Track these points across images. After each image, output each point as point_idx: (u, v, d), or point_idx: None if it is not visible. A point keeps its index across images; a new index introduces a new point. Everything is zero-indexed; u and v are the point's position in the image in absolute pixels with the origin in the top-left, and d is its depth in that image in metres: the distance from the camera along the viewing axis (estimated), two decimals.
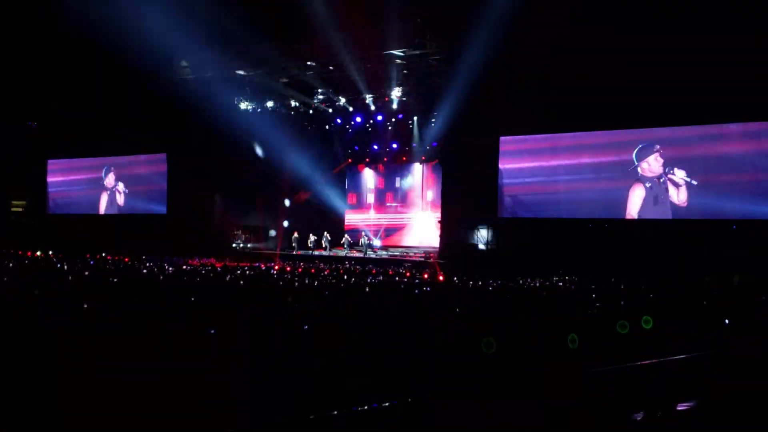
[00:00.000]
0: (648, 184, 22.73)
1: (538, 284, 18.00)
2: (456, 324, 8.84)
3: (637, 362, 6.82)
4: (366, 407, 4.87)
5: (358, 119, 33.13)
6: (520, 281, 18.78)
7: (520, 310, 10.59)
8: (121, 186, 36.46)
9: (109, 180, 37.11)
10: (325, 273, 20.31)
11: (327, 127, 34.86)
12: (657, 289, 16.21)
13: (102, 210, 37.13)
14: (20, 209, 40.48)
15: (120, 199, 36.48)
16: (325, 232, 33.40)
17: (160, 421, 5.05)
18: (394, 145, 34.92)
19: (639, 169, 22.87)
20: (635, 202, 22.90)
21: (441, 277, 20.07)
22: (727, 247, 20.56)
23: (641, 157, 22.79)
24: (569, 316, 9.82)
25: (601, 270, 20.74)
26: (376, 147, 35.81)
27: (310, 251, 32.29)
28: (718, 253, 20.30)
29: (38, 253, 27.05)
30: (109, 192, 36.99)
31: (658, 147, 22.57)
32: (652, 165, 22.63)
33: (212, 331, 7.47)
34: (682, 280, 18.52)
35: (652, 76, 21.09)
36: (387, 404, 4.93)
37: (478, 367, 6.36)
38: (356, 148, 36.66)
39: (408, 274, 21.51)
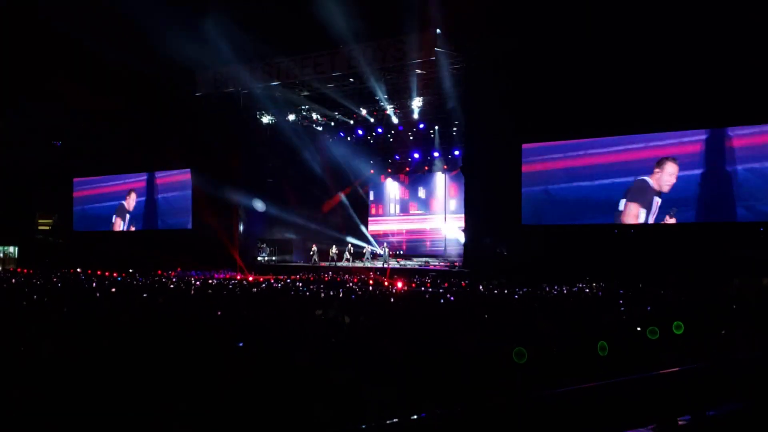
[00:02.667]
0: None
1: (565, 291, 17.88)
2: (483, 332, 8.80)
3: (666, 369, 6.75)
4: (396, 420, 4.85)
5: (380, 130, 33.20)
6: (546, 288, 18.66)
7: (548, 317, 10.51)
8: (146, 202, 36.74)
9: (135, 196, 37.41)
10: (350, 285, 20.32)
11: (349, 138, 34.98)
12: (686, 293, 16.06)
13: (128, 226, 37.43)
14: (47, 227, 40.92)
15: (145, 215, 36.75)
16: (349, 245, 33.53)
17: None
18: (416, 155, 34.94)
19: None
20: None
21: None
22: (755, 249, 20.32)
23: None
24: (598, 323, 9.75)
25: (627, 276, 20.58)
26: (397, 157, 35.86)
27: (333, 263, 32.37)
28: (746, 256, 20.06)
29: (65, 269, 27.33)
30: (134, 208, 37.27)
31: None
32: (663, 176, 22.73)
33: (240, 345, 7.50)
34: (710, 284, 18.32)
35: (676, 80, 20.96)
36: (415, 417, 4.91)
37: (507, 376, 6.32)
38: (378, 158, 36.78)
39: (429, 284, 21.51)
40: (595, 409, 5.75)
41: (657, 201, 22.73)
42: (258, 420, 5.36)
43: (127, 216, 37.46)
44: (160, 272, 26.74)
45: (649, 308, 12.54)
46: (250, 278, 24.09)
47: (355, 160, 36.36)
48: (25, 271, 27.50)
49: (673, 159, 22.49)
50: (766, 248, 20.41)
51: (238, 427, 5.29)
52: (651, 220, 22.73)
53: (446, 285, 21.20)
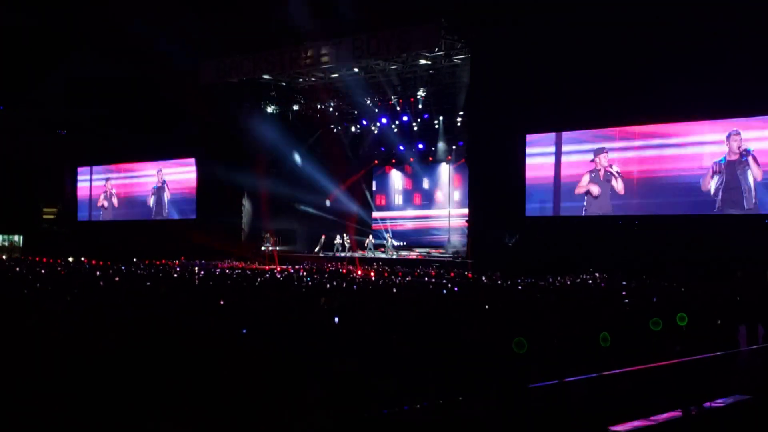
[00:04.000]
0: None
1: (568, 282, 17.87)
2: (486, 323, 8.79)
3: (670, 360, 6.74)
4: (397, 409, 4.85)
5: (384, 120, 33.11)
6: (550, 279, 18.65)
7: (550, 308, 10.51)
8: (150, 192, 36.76)
9: (139, 186, 37.44)
10: (354, 275, 20.36)
11: (353, 129, 34.93)
12: (689, 285, 16.04)
13: (132, 216, 37.46)
14: (51, 216, 40.97)
15: (150, 205, 36.77)
16: (348, 236, 33.54)
17: (194, 420, 5.07)
18: (420, 146, 34.86)
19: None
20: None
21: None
22: (760, 241, 20.27)
23: None
24: (600, 315, 9.74)
25: (631, 267, 20.54)
26: (402, 148, 35.76)
27: (336, 253, 32.43)
28: (751, 248, 20.02)
29: (70, 259, 27.37)
30: (139, 198, 37.31)
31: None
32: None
33: (244, 331, 7.50)
34: (714, 276, 18.29)
35: (684, 69, 20.90)
36: (418, 406, 4.91)
37: (509, 367, 6.32)
38: (382, 149, 36.66)
39: (434, 273, 21.57)
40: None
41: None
42: (260, 407, 5.37)
43: (132, 205, 37.51)
44: (164, 261, 26.77)
45: (655, 299, 12.53)
46: (255, 268, 24.10)
47: (358, 150, 36.29)
48: (30, 258, 27.55)
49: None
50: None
51: (240, 414, 5.29)
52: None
53: (452, 275, 21.23)
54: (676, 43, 20.91)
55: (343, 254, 32.09)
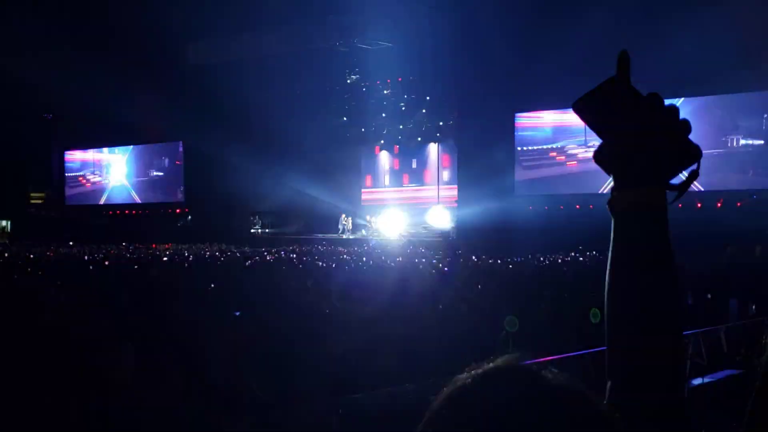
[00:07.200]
0: None
1: (559, 261, 17.93)
2: (476, 303, 8.81)
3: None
4: (388, 388, 4.86)
5: (372, 100, 32.98)
6: (540, 258, 18.68)
7: (541, 287, 10.54)
8: (138, 175, 36.61)
9: (126, 169, 37.27)
10: (344, 256, 20.33)
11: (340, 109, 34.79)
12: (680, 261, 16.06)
13: (120, 200, 37.31)
14: (39, 201, 40.75)
15: (137, 188, 36.63)
16: (342, 216, 33.52)
17: (186, 408, 5.07)
18: (410, 125, 34.73)
19: None
20: None
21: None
22: (749, 217, 20.34)
23: None
24: (591, 292, 9.77)
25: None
26: (390, 127, 35.63)
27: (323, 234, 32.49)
28: (738, 224, 20.07)
29: (58, 243, 27.26)
30: (126, 181, 37.15)
31: None
32: None
33: (237, 313, 7.50)
34: (702, 252, 18.33)
35: (667, 47, 20.87)
36: (408, 385, 4.92)
37: (500, 346, 6.35)
38: (371, 129, 36.49)
39: (425, 256, 21.51)
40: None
41: None
42: (254, 388, 5.37)
43: (120, 188, 37.36)
44: (154, 246, 26.69)
45: None
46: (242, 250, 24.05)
47: (347, 131, 36.14)
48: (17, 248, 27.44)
49: None
50: (758, 217, 20.40)
51: (234, 393, 5.30)
52: None
53: (446, 258, 21.17)
54: (666, 19, 20.87)
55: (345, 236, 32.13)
